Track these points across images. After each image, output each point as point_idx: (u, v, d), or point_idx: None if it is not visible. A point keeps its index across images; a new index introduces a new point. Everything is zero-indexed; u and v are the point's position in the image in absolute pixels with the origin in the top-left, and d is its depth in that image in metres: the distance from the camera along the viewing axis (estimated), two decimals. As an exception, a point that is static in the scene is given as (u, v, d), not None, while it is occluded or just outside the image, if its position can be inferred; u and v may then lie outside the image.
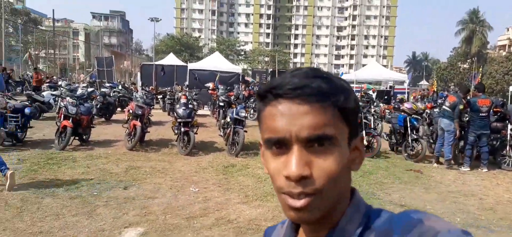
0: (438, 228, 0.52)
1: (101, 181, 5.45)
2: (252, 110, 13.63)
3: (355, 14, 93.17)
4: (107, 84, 18.34)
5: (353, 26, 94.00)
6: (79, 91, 11.27)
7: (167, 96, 15.61)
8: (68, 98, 8.18)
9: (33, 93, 11.33)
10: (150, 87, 18.25)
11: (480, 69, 26.89)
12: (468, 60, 51.18)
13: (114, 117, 12.94)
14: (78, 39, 60.56)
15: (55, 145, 7.53)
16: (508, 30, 66.35)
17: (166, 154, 7.72)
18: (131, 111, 8.24)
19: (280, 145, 0.56)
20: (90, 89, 13.54)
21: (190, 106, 8.58)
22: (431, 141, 9.13)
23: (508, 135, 7.70)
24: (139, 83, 21.17)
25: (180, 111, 8.06)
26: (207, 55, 52.44)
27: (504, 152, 7.83)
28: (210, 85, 15.08)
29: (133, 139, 7.89)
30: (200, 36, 73.08)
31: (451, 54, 56.50)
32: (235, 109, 8.29)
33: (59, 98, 12.00)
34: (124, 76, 40.38)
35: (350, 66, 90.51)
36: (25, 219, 3.88)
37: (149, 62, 31.06)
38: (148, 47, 74.92)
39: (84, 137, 8.31)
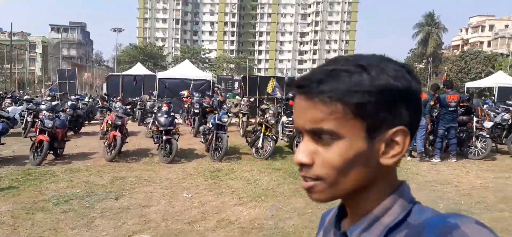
0: None
1: (89, 193, 5.30)
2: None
3: (317, 20, 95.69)
4: (73, 97, 17.64)
5: (316, 32, 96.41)
6: (43, 106, 10.78)
7: (138, 106, 15.28)
8: (44, 111, 7.84)
9: (-3, 109, 10.70)
10: (118, 98, 17.76)
11: (445, 68, 28.46)
12: (424, 61, 53.96)
13: (82, 129, 12.58)
14: (36, 52, 57.55)
15: (30, 161, 7.19)
16: (461, 30, 70.56)
17: (147, 163, 7.61)
18: (110, 122, 8.04)
19: (300, 133, 0.62)
20: (54, 103, 12.96)
21: (171, 114, 8.50)
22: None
23: (474, 127, 8.32)
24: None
25: (162, 119, 7.95)
26: (171, 64, 51.26)
27: (470, 143, 8.45)
28: (185, 93, 14.95)
29: (113, 150, 7.69)
30: (163, 45, 71.75)
31: (408, 55, 59.29)
32: (216, 114, 8.31)
33: (26, 113, 11.47)
34: (84, 88, 38.93)
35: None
36: (22, 235, 3.71)
37: (110, 73, 30.26)
38: (109, 57, 72.38)
39: (59, 151, 7.99)
